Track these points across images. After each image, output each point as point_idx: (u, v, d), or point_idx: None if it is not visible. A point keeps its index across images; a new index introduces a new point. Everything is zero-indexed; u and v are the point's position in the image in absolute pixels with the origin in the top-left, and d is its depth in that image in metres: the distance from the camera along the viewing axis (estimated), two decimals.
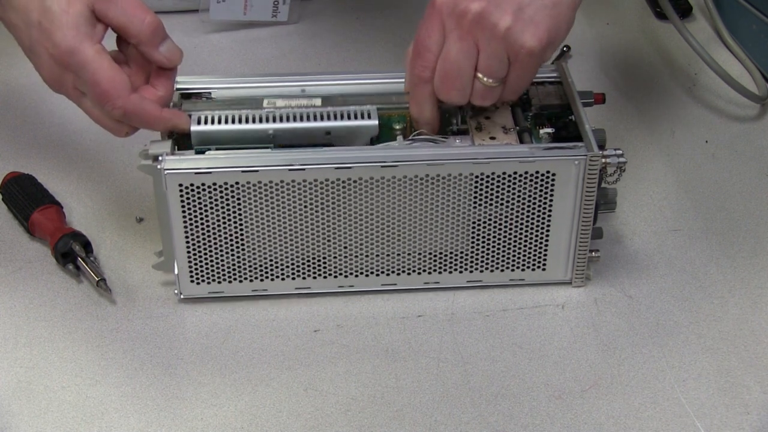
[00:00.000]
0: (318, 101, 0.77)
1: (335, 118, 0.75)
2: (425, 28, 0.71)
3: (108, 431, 0.69)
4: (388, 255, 0.76)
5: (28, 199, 0.82)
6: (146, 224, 0.83)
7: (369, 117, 0.75)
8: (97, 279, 0.77)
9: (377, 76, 0.80)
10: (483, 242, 0.75)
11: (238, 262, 0.75)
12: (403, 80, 0.76)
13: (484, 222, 0.74)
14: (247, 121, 0.75)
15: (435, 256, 0.76)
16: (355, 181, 0.72)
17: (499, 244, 0.75)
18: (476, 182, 0.72)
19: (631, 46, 1.05)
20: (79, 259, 0.78)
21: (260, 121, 0.75)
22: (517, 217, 0.74)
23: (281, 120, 0.75)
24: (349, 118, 0.75)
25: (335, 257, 0.75)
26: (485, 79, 0.71)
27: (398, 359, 0.73)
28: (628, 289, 0.78)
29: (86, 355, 0.74)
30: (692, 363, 0.72)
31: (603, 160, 0.72)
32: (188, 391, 0.71)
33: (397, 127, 0.77)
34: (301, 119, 0.75)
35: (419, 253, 0.76)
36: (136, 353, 0.74)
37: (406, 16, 1.09)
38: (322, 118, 0.75)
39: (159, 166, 0.71)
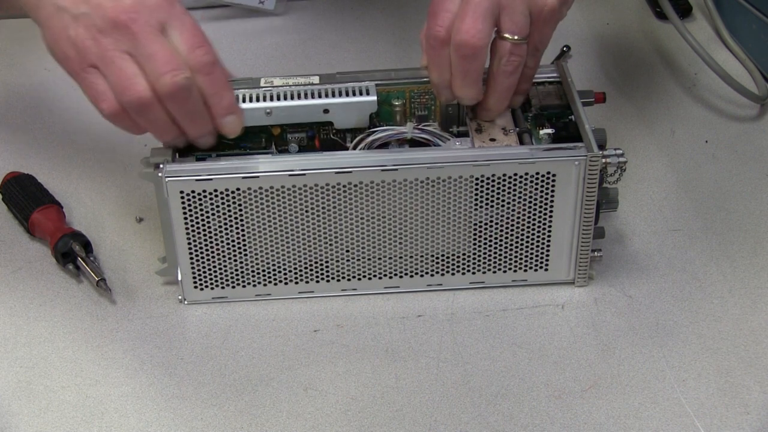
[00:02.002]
0: (316, 79, 0.77)
1: (333, 95, 0.75)
2: None
3: (108, 431, 0.69)
4: (390, 258, 0.76)
5: (28, 199, 0.82)
6: (146, 224, 0.83)
7: (367, 93, 0.75)
8: (97, 279, 0.77)
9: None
10: (485, 244, 0.75)
11: (241, 267, 0.75)
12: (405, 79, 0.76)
13: (486, 223, 0.74)
14: (244, 101, 0.74)
15: (437, 258, 0.76)
16: (355, 185, 0.72)
17: (501, 245, 0.75)
18: (477, 184, 0.72)
19: (631, 46, 1.05)
20: (79, 259, 0.78)
21: (257, 100, 0.75)
22: (518, 218, 0.74)
23: (278, 98, 0.75)
24: (347, 94, 0.75)
25: (337, 261, 0.75)
26: (511, 36, 0.70)
27: (398, 359, 0.73)
28: (628, 289, 0.78)
29: (86, 355, 0.74)
30: (692, 363, 0.72)
31: (603, 160, 0.72)
32: (188, 391, 0.71)
33: (396, 103, 0.77)
34: (299, 97, 0.75)
35: (421, 256, 0.76)
36: (136, 353, 0.74)
37: (407, 16, 1.09)
38: (320, 96, 0.75)
39: (160, 174, 0.71)
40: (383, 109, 0.76)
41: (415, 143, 0.76)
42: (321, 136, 0.76)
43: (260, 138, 0.77)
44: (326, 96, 0.74)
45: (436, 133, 0.75)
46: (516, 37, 0.71)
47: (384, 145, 0.75)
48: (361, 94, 0.75)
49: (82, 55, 0.69)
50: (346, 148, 0.75)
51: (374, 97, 0.75)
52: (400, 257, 0.76)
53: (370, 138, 0.75)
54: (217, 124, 0.72)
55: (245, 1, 1.07)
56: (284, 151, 0.74)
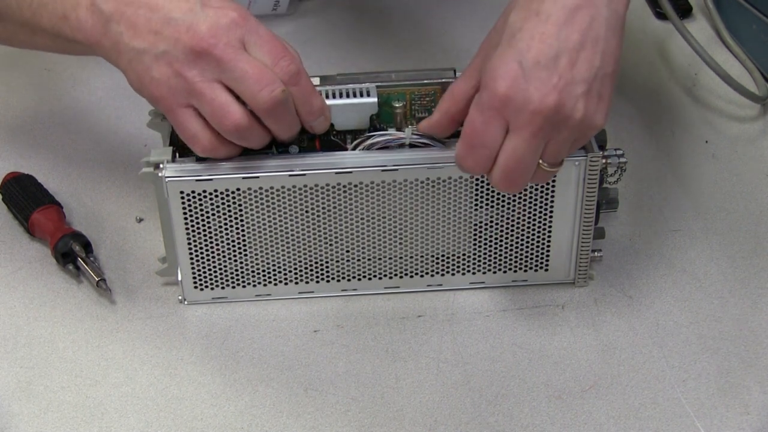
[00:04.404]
0: (316, 80, 0.76)
1: (334, 96, 0.74)
2: (483, 121, 0.65)
3: (108, 431, 0.69)
4: (390, 258, 0.76)
5: (28, 199, 0.82)
6: (146, 224, 0.83)
7: (368, 95, 0.75)
8: (97, 279, 0.77)
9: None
10: (485, 244, 0.75)
11: (241, 267, 0.75)
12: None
13: (486, 224, 0.74)
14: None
15: (437, 258, 0.76)
16: (355, 186, 0.72)
17: (501, 245, 0.75)
18: (477, 184, 0.72)
19: (631, 46, 1.05)
20: (79, 259, 0.78)
21: None
22: (518, 218, 0.74)
23: None
24: (347, 96, 0.74)
25: (337, 261, 0.75)
26: (547, 166, 0.67)
27: (398, 359, 0.73)
28: (628, 289, 0.78)
29: (86, 355, 0.74)
30: (692, 363, 0.72)
31: (603, 161, 0.72)
32: (188, 391, 0.71)
33: (397, 105, 0.76)
34: None
35: (421, 256, 0.76)
36: (136, 353, 0.74)
37: (408, 17, 1.09)
38: None
39: (160, 174, 0.71)
40: (384, 111, 0.76)
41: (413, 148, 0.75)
42: (321, 137, 0.76)
43: None
44: (327, 97, 0.74)
45: (433, 138, 0.75)
46: (551, 168, 0.67)
47: (382, 149, 0.75)
48: (361, 95, 0.75)
49: (171, 94, 0.67)
50: (346, 150, 0.75)
51: (375, 99, 0.75)
52: (400, 257, 0.76)
53: (369, 142, 0.74)
54: (308, 127, 0.71)
55: (258, 11, 1.07)
56: (284, 152, 0.74)
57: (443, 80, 0.77)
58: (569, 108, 0.64)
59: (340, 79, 0.77)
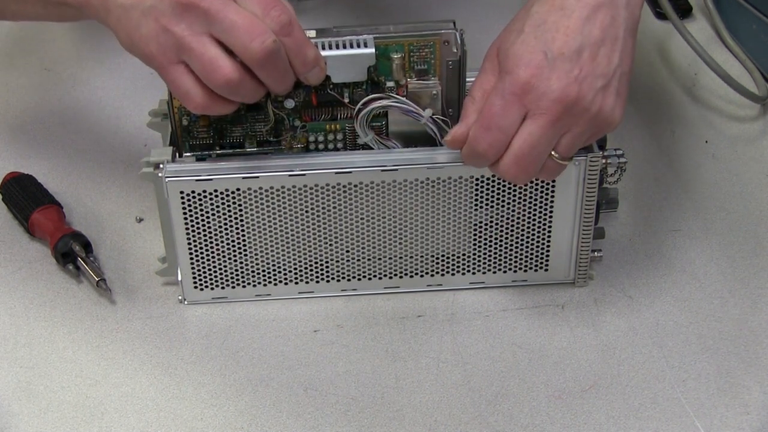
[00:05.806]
0: (312, 33, 0.73)
1: (330, 47, 0.72)
2: (502, 105, 0.66)
3: (108, 431, 0.69)
4: (390, 258, 0.76)
5: (28, 199, 0.82)
6: (146, 224, 0.83)
7: (365, 46, 0.73)
8: (97, 279, 0.77)
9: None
10: (485, 244, 0.75)
11: (241, 267, 0.75)
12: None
13: (486, 224, 0.74)
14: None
15: (437, 258, 0.76)
16: (355, 186, 0.72)
17: (501, 245, 0.75)
18: (477, 185, 0.72)
19: None
20: (79, 259, 0.78)
21: None
22: (518, 218, 0.74)
23: None
24: (344, 47, 0.72)
25: (337, 261, 0.75)
26: (558, 158, 0.68)
27: (398, 359, 0.73)
28: (628, 289, 0.78)
29: (86, 355, 0.74)
30: (692, 363, 0.72)
31: (603, 161, 0.72)
32: (188, 391, 0.71)
33: (395, 56, 0.74)
34: None
35: (421, 256, 0.76)
36: (136, 353, 0.74)
37: (408, 17, 1.09)
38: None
39: (160, 174, 0.71)
40: (382, 63, 0.74)
41: (418, 137, 0.75)
42: (318, 91, 0.75)
43: None
44: (323, 49, 0.71)
45: (443, 120, 0.74)
46: (564, 161, 0.68)
47: (384, 114, 0.74)
48: (358, 46, 0.72)
49: (161, 51, 0.66)
50: (344, 104, 0.74)
51: (372, 50, 0.72)
52: (400, 257, 0.76)
53: (385, 101, 0.72)
54: (302, 79, 0.69)
55: None
56: (280, 107, 0.73)
57: (442, 31, 0.74)
58: (588, 101, 0.65)
59: (337, 31, 0.74)
